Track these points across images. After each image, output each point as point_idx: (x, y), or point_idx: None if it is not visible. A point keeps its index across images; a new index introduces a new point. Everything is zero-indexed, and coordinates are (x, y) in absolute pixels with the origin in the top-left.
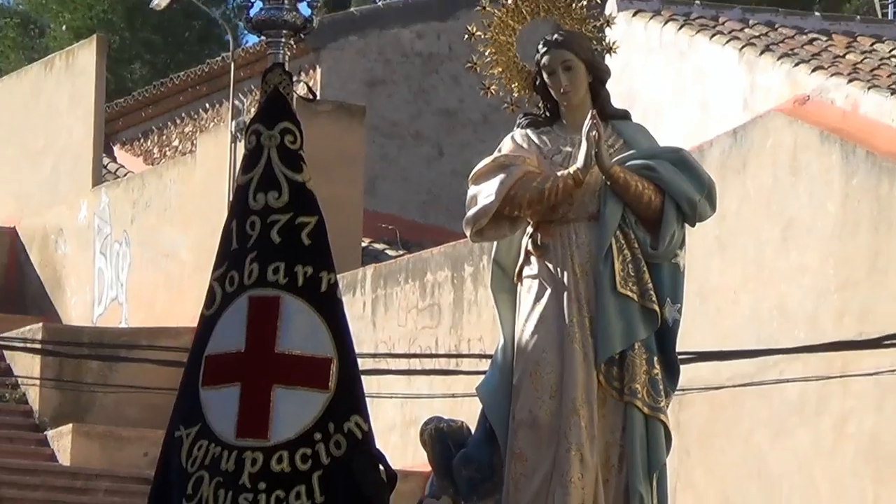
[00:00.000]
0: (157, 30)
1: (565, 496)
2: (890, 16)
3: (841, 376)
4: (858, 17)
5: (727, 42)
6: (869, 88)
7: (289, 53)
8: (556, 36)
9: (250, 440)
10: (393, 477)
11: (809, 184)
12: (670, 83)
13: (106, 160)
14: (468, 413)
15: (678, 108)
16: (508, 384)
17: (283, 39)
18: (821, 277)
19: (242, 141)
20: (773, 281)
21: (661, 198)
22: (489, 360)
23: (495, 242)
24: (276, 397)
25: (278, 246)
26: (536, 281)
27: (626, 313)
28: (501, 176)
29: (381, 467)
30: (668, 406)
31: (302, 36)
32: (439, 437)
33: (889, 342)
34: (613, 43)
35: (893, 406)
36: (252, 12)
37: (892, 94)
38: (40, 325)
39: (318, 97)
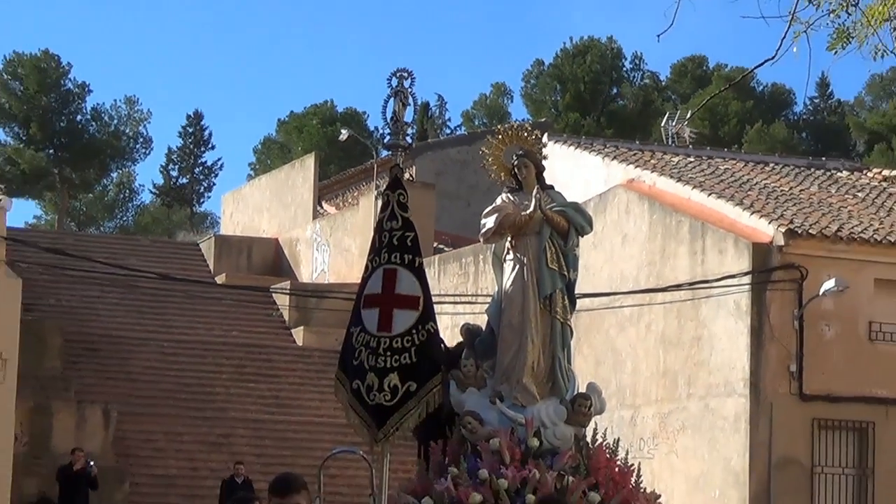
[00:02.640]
0: (340, 149)
1: (525, 356)
2: (670, 142)
3: (649, 304)
4: (656, 142)
5: (597, 155)
6: (660, 175)
7: (401, 159)
8: (520, 152)
9: (383, 332)
10: (447, 350)
11: (634, 219)
12: (571, 173)
13: (319, 208)
14: (482, 321)
15: (574, 184)
16: (499, 308)
17: (399, 153)
18: (638, 260)
19: (380, 199)
20: (617, 261)
21: (568, 224)
22: (490, 298)
23: (494, 244)
24: (395, 313)
25: (396, 246)
26: (512, 261)
27: (553, 276)
28: (496, 214)
29: (442, 345)
30: (571, 317)
31: (406, 151)
32: (469, 331)
33: (670, 289)
34: (546, 155)
35: (672, 317)
36: (385, 140)
37: (670, 177)
38: (288, 282)
39: (414, 179)
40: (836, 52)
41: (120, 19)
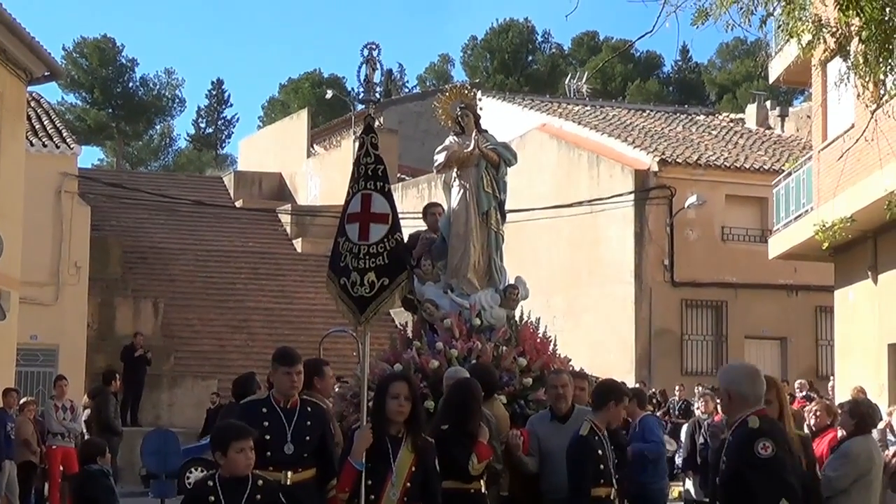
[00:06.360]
0: (327, 105)
1: (469, 258)
2: (572, 96)
3: (558, 217)
4: (562, 96)
5: (518, 106)
6: (565, 121)
7: (372, 111)
8: (462, 104)
9: (362, 241)
10: (410, 253)
11: (546, 153)
12: (499, 120)
13: (311, 149)
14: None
15: (502, 128)
16: (449, 221)
17: (370, 106)
18: (550, 184)
19: (357, 141)
20: (534, 185)
21: (498, 158)
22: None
23: (444, 174)
24: (371, 226)
25: (370, 176)
26: (458, 187)
27: (488, 197)
28: (445, 152)
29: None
30: (502, 227)
31: (376, 105)
32: (427, 239)
33: (574, 205)
34: (481, 107)
35: (576, 226)
36: (360, 97)
37: (573, 122)
38: (289, 205)
39: (382, 126)
40: (697, 27)
41: (160, 7)
